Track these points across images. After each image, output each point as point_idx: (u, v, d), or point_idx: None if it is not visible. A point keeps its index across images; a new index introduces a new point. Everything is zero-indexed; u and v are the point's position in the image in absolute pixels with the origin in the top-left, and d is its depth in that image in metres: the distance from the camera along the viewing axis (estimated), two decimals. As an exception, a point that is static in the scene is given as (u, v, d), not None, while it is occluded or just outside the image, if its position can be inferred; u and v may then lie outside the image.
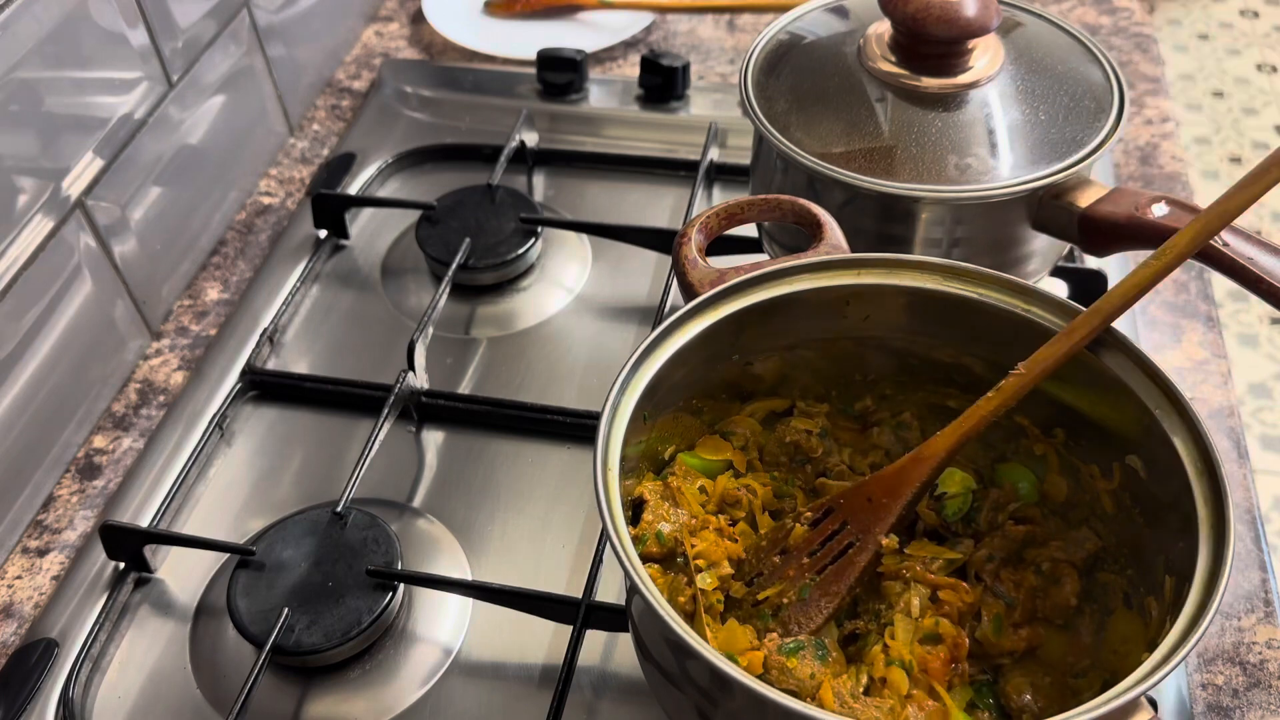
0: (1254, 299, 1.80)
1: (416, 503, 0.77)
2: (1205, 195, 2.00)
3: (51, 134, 0.75)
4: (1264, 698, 0.66)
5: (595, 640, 0.68)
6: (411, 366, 0.79)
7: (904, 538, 0.60)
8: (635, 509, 0.61)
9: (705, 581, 0.58)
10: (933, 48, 0.72)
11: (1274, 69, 2.86)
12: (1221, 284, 1.94)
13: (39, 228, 0.74)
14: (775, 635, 0.56)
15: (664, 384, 0.58)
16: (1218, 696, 0.66)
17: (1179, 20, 3.03)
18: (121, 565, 0.73)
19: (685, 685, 0.52)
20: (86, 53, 0.77)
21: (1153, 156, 1.01)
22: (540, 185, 1.01)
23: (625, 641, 0.69)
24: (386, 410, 0.76)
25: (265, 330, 0.86)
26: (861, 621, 0.58)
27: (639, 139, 1.04)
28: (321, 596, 0.67)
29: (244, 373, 0.84)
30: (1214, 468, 0.51)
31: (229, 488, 0.78)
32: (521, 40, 1.14)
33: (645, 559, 0.60)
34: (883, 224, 0.73)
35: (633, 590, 0.54)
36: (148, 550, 0.72)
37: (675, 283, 0.73)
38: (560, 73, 1.06)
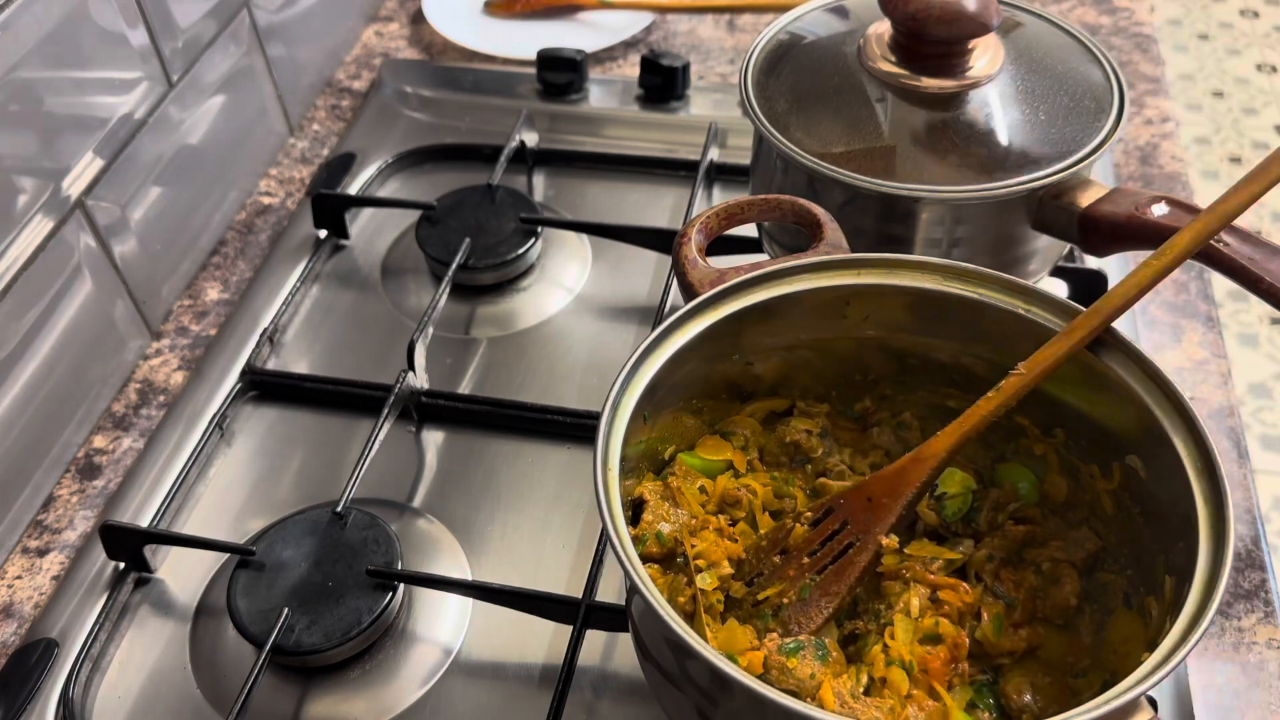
0: (1254, 299, 1.80)
1: (416, 503, 0.77)
2: (1205, 195, 1.99)
3: (51, 134, 0.75)
4: (1264, 698, 0.66)
5: (595, 640, 0.68)
6: (411, 366, 0.79)
7: (904, 538, 0.60)
8: (635, 509, 0.61)
9: (705, 581, 0.58)
10: (933, 48, 0.72)
11: (1274, 69, 2.86)
12: (1221, 284, 1.94)
13: (39, 228, 0.74)
14: (775, 635, 0.56)
15: (664, 384, 0.58)
16: (1218, 696, 0.66)
17: (1179, 20, 3.03)
18: (121, 565, 0.73)
19: (685, 685, 0.52)
20: (86, 53, 0.77)
21: (1153, 156, 1.01)
22: (540, 185, 1.01)
23: (625, 641, 0.69)
24: (386, 410, 0.76)
25: (265, 330, 0.86)
26: (861, 621, 0.58)
27: (639, 139, 1.04)
28: (321, 596, 0.67)
29: (244, 373, 0.84)
30: (1214, 468, 0.51)
31: (229, 488, 0.78)
32: (521, 40, 1.14)
33: (645, 559, 0.60)
34: (883, 224, 0.73)
35: (633, 590, 0.54)
36: (148, 550, 0.72)
37: (675, 283, 0.73)
38: (560, 73, 1.06)
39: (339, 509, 0.71)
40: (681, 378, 0.60)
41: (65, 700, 0.66)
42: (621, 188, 1.00)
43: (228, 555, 0.73)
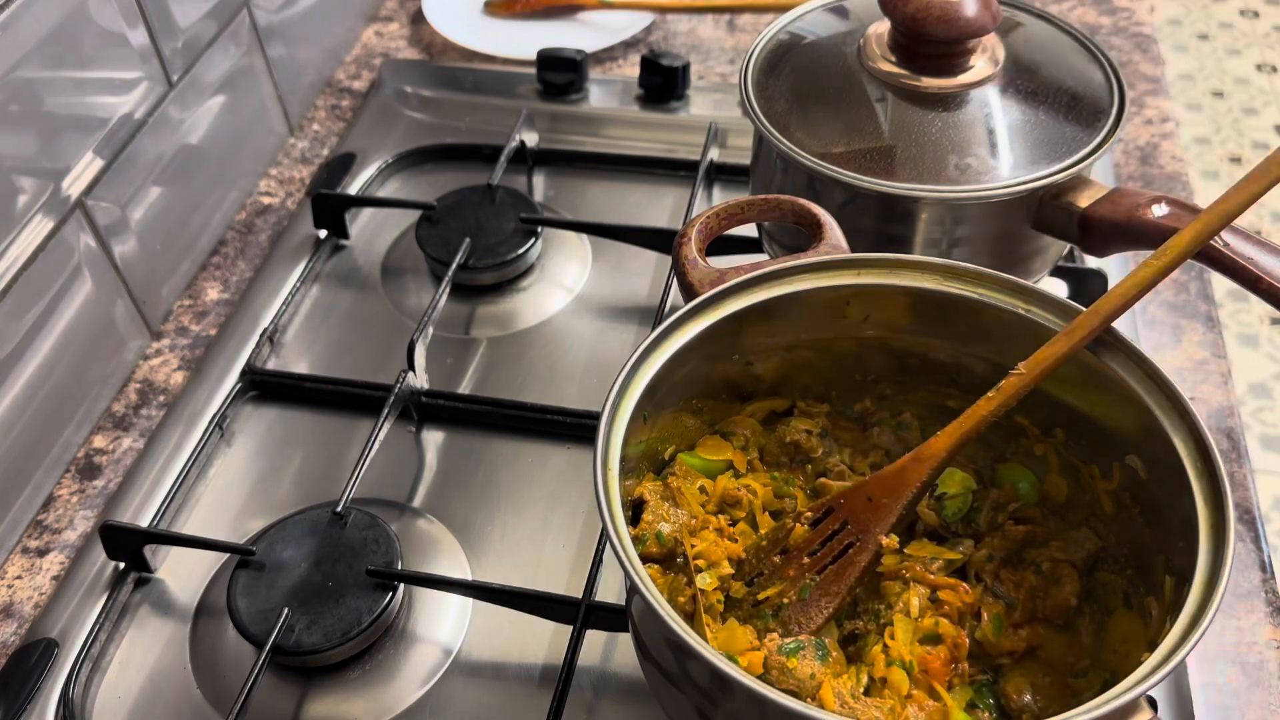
0: (1254, 299, 1.80)
1: (416, 503, 0.77)
2: (1205, 195, 2.00)
3: (51, 134, 0.75)
4: (1264, 698, 0.66)
5: (595, 640, 0.68)
6: (411, 366, 0.79)
7: (904, 538, 0.60)
8: (635, 509, 0.61)
9: (705, 581, 0.58)
10: (933, 48, 0.72)
11: (1274, 69, 2.86)
12: (1221, 284, 1.94)
13: (39, 228, 0.74)
14: (775, 635, 0.56)
15: (664, 384, 0.58)
16: (1218, 696, 0.66)
17: (1179, 20, 3.03)
18: (121, 565, 0.73)
19: (685, 685, 0.52)
20: (86, 53, 0.77)
21: (1153, 156, 1.01)
22: (540, 185, 1.01)
23: (625, 641, 0.69)
24: (386, 410, 0.76)
25: (265, 330, 0.86)
26: (861, 621, 0.58)
27: (639, 139, 1.04)
28: (321, 596, 0.67)
29: (244, 373, 0.84)
30: (1214, 468, 0.51)
31: (229, 488, 0.78)
32: (521, 40, 1.14)
33: (645, 559, 0.60)
34: (883, 224, 0.73)
35: (633, 590, 0.54)
36: (148, 550, 0.72)
37: (675, 283, 0.73)
38: (560, 73, 1.06)
39: (339, 509, 0.71)
40: (681, 378, 0.60)
41: (65, 700, 0.66)
42: (621, 188, 1.00)
43: (228, 555, 0.73)
